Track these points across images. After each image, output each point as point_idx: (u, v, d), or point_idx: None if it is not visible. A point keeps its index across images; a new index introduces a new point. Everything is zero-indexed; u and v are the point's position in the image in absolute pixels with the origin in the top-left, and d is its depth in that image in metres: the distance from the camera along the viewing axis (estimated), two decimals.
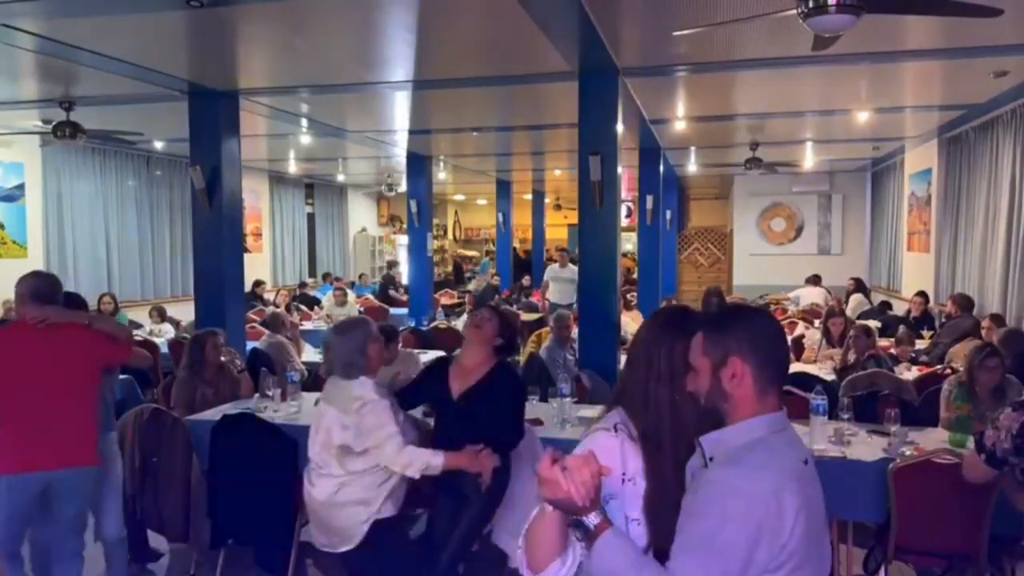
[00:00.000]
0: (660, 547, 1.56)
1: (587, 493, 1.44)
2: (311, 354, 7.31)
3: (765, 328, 1.58)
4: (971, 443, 3.74)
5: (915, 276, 10.29)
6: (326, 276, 14.45)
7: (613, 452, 1.66)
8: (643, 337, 1.81)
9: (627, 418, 1.72)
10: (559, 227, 20.03)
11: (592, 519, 1.48)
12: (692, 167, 13.02)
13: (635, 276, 12.51)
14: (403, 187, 12.17)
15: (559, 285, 10.85)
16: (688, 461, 1.62)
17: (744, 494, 1.42)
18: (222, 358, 5.10)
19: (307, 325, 9.48)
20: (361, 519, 3.11)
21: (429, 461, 3.09)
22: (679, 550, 1.46)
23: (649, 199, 10.58)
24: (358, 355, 3.21)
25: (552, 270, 11.35)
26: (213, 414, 4.49)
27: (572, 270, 10.61)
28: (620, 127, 5.86)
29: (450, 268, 20.12)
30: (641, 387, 1.72)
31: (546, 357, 6.40)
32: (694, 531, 1.45)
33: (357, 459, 3.13)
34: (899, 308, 9.94)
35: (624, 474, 1.65)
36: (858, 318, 8.38)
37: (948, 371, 5.40)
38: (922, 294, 8.67)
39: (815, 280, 11.76)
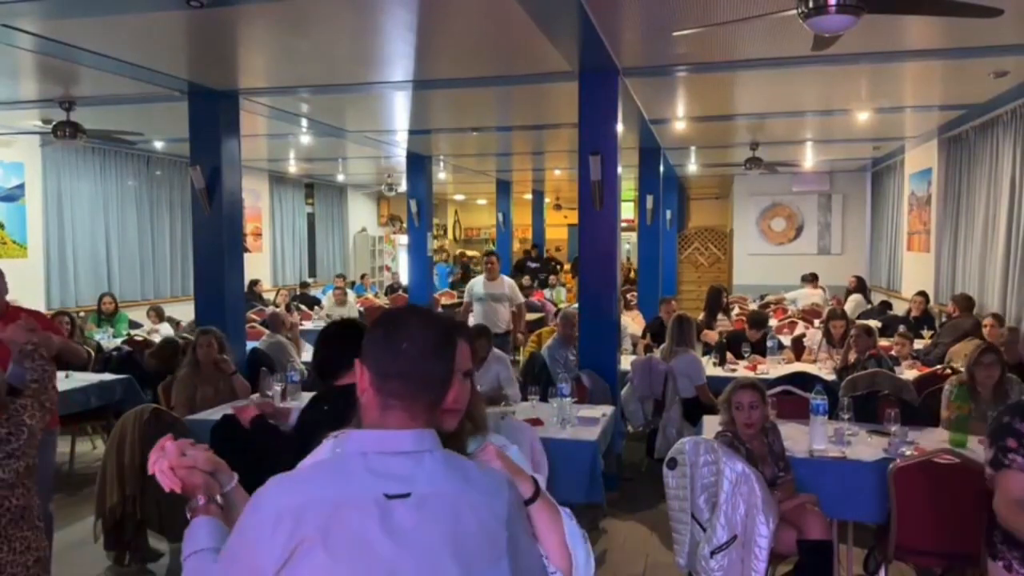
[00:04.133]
0: None
1: (173, 482, 1.57)
2: (311, 354, 7.31)
3: (387, 334, 1.36)
4: (973, 443, 3.75)
5: (915, 276, 10.29)
6: (341, 276, 14.19)
7: None
8: None
9: None
10: (559, 227, 20.04)
11: (195, 501, 1.59)
12: (692, 167, 13.02)
13: (635, 276, 12.51)
14: (403, 187, 12.16)
15: (483, 307, 7.80)
16: None
17: (256, 504, 1.27)
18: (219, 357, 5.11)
19: (307, 325, 9.49)
20: None
21: None
22: None
23: (649, 199, 10.58)
24: None
25: (476, 285, 8.07)
26: (213, 414, 4.49)
27: (505, 285, 7.99)
28: (620, 127, 5.86)
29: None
30: None
31: (548, 355, 6.41)
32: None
33: None
34: (899, 308, 9.95)
35: None
36: (856, 318, 8.38)
37: (948, 371, 5.41)
38: (922, 294, 8.68)
39: (811, 279, 11.75)
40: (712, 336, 7.79)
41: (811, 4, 3.48)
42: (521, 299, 8.26)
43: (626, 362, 6.39)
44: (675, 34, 4.52)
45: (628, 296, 9.71)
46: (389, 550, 1.23)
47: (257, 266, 13.02)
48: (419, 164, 10.96)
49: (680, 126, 8.68)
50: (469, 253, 20.90)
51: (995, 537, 2.41)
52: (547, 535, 1.44)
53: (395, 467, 1.28)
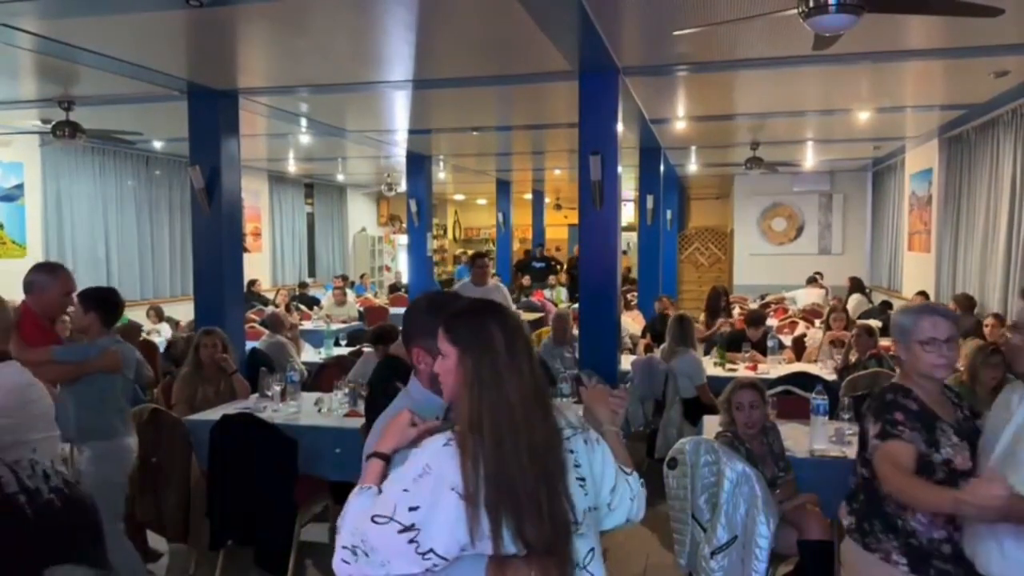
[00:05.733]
0: None
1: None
2: (311, 354, 7.32)
3: None
4: None
5: (915, 276, 10.28)
6: (343, 277, 14.11)
7: None
8: None
9: None
10: (559, 227, 20.03)
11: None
12: (692, 167, 13.01)
13: (635, 276, 12.51)
14: (403, 187, 12.16)
15: None
16: None
17: None
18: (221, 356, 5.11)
19: (306, 325, 9.49)
20: None
21: None
22: None
23: (649, 199, 10.57)
24: None
25: (464, 291, 6.71)
26: (213, 414, 4.48)
27: (496, 290, 7.16)
28: (620, 127, 5.86)
29: (451, 267, 20.09)
30: None
31: (543, 355, 6.41)
32: None
33: None
34: None
35: None
36: (858, 318, 8.38)
37: None
38: (923, 294, 8.67)
39: (814, 280, 11.75)
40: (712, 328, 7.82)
41: (811, 3, 3.48)
42: (512, 305, 7.44)
43: (626, 362, 6.38)
44: (675, 33, 4.51)
45: (628, 296, 9.71)
46: None
47: (257, 266, 13.02)
48: (419, 164, 10.96)
49: (680, 126, 8.67)
50: (471, 253, 20.76)
51: (874, 527, 2.34)
52: None
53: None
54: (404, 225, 15.46)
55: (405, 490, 1.54)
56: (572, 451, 1.68)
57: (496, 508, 1.53)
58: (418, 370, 1.92)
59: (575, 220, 6.89)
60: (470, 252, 20.06)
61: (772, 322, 9.10)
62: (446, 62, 5.88)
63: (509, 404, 1.58)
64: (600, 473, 1.74)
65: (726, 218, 16.63)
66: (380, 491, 1.60)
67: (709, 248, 16.04)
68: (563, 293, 13.80)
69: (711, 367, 6.36)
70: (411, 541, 1.52)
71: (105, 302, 3.82)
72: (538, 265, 15.69)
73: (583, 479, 1.68)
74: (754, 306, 10.64)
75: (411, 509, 1.52)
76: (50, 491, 2.54)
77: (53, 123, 6.95)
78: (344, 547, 1.57)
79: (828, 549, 3.50)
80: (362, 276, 15.60)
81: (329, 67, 5.99)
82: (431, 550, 1.52)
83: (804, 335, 7.87)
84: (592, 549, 1.70)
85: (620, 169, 5.87)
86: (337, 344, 7.70)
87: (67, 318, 4.66)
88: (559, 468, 1.61)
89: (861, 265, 13.28)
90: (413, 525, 1.52)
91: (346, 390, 4.80)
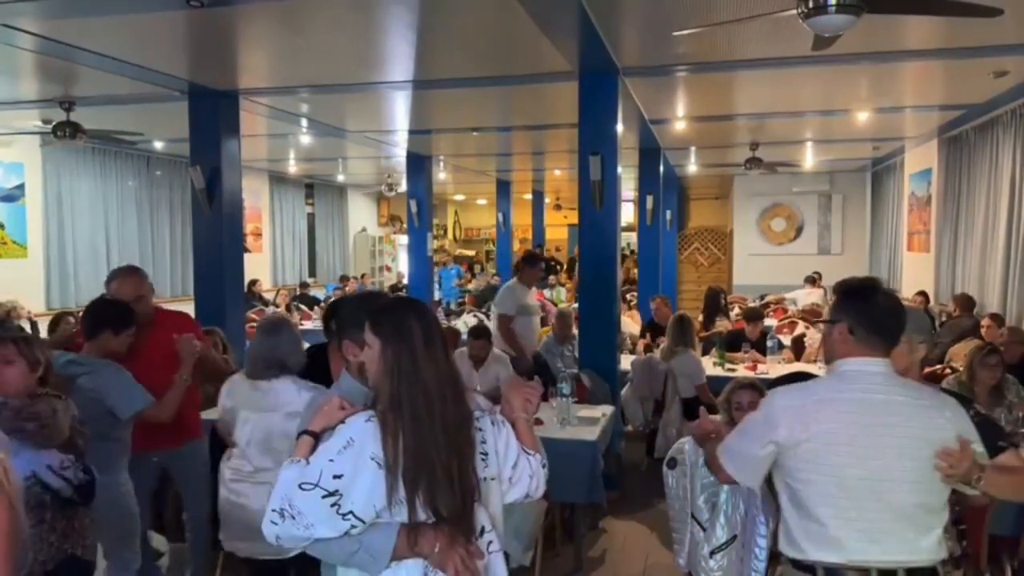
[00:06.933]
0: None
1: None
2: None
3: None
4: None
5: (915, 276, 10.29)
6: (354, 278, 14.11)
7: None
8: None
9: None
10: (559, 227, 20.04)
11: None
12: (692, 167, 13.01)
13: (635, 276, 12.51)
14: (403, 187, 12.16)
15: (526, 322, 6.37)
16: None
17: None
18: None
19: (307, 325, 9.50)
20: None
21: None
22: None
23: (649, 199, 10.58)
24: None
25: (516, 293, 6.45)
26: (213, 414, 4.48)
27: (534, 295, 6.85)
28: (620, 127, 5.86)
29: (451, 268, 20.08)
30: None
31: (543, 352, 6.41)
32: None
33: None
34: None
35: None
36: None
37: (948, 371, 5.41)
38: (922, 294, 8.67)
39: (812, 280, 11.76)
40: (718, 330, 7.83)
41: (811, 4, 3.49)
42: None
43: (626, 362, 6.39)
44: (675, 34, 4.52)
45: (628, 296, 9.71)
46: None
47: (257, 266, 13.02)
48: (419, 164, 10.96)
49: (680, 126, 8.67)
50: (468, 253, 20.81)
51: None
52: None
53: None
54: (404, 225, 15.45)
55: (331, 460, 1.75)
56: (480, 429, 1.91)
57: (413, 478, 1.75)
58: (348, 362, 2.14)
59: (575, 220, 6.88)
60: (470, 252, 20.19)
61: (771, 322, 9.11)
62: (446, 62, 5.89)
63: (426, 388, 1.80)
64: (504, 450, 1.96)
65: (725, 218, 16.64)
66: (308, 463, 1.78)
67: (709, 248, 16.05)
68: (562, 293, 13.80)
69: (711, 367, 6.37)
70: (333, 505, 1.72)
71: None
72: None
73: (486, 454, 1.91)
74: (753, 305, 10.65)
75: (335, 477, 1.73)
76: None
77: (54, 123, 6.95)
78: (273, 510, 1.74)
79: None
80: (362, 276, 15.61)
81: (329, 67, 5.99)
82: (351, 512, 1.72)
83: (804, 335, 7.87)
84: (490, 517, 1.91)
85: (620, 169, 5.88)
86: None
87: None
88: (469, 445, 1.85)
89: (860, 265, 13.28)
90: (337, 491, 1.72)
91: None
